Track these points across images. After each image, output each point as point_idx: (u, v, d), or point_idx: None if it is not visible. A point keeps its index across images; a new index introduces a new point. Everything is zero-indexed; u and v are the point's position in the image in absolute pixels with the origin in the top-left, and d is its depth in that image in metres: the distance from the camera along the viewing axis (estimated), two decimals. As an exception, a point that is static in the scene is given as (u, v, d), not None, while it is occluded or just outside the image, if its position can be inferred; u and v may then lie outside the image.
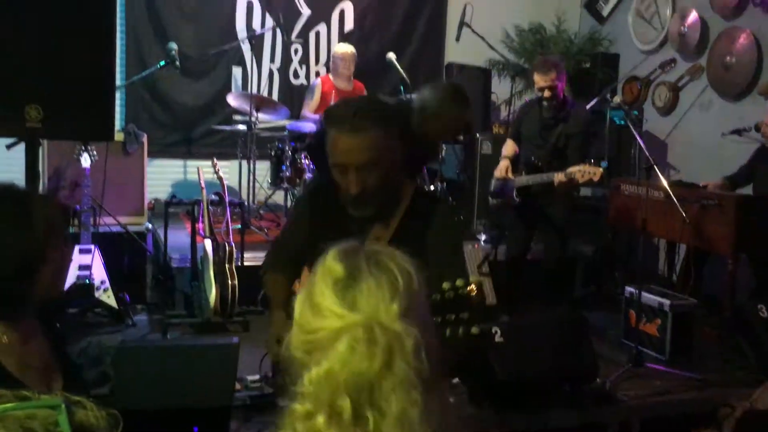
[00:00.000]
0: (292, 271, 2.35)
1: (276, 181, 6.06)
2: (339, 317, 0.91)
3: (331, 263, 0.98)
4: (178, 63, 4.88)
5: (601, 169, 4.45)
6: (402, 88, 5.80)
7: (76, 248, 4.53)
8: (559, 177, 4.60)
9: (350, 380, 0.86)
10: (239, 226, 5.36)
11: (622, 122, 5.66)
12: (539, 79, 4.83)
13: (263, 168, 6.37)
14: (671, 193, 4.31)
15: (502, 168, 5.06)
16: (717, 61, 6.15)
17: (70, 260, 1.73)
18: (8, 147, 2.81)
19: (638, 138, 4.42)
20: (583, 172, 4.46)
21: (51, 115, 2.41)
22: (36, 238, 1.55)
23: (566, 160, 4.71)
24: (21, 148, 2.77)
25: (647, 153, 4.37)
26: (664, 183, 4.41)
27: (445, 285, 1.56)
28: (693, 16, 6.39)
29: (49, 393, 1.60)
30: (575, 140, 4.82)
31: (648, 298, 4.46)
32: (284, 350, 1.02)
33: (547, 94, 4.80)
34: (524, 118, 5.14)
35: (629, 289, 4.56)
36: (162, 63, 4.90)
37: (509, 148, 5.20)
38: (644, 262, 4.62)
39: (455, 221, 2.39)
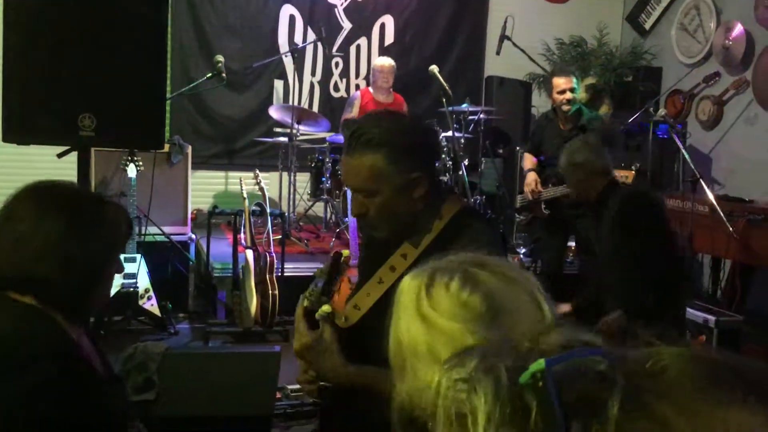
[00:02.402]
0: None
1: (316, 192, 6.10)
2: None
3: (462, 298, 0.87)
4: (224, 75, 4.95)
5: (633, 171, 4.40)
6: (444, 100, 5.81)
7: (121, 257, 4.60)
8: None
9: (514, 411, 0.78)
10: (280, 236, 5.41)
11: (665, 136, 5.60)
12: (561, 83, 4.80)
13: (303, 179, 6.43)
14: (717, 207, 4.24)
15: (531, 181, 5.02)
16: (763, 75, 6.05)
17: (121, 270, 1.75)
18: (59, 156, 2.86)
19: (683, 151, 4.37)
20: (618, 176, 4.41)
21: (104, 124, 2.46)
22: (105, 246, 1.59)
23: None
24: (70, 157, 2.85)
25: (693, 167, 4.31)
26: (711, 197, 4.34)
27: None
28: (738, 29, 6.30)
29: None
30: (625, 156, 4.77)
31: (693, 313, 4.39)
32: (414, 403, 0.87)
33: (568, 96, 4.77)
34: (543, 134, 5.11)
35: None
36: (209, 75, 4.98)
37: (529, 161, 5.17)
38: (689, 277, 4.53)
39: (488, 237, 2.09)
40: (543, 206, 4.90)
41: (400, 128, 1.82)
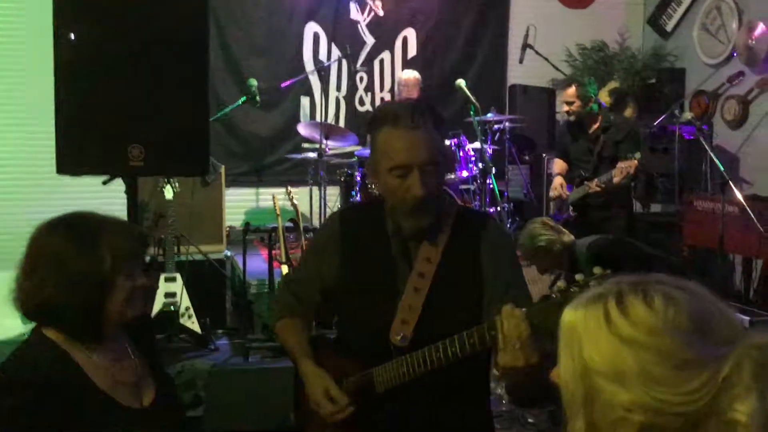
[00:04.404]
0: (309, 313, 2.12)
1: (346, 206, 6.20)
2: (720, 358, 0.85)
3: (669, 315, 0.88)
4: (258, 98, 5.07)
5: (635, 161, 4.46)
6: (471, 112, 5.88)
7: (162, 276, 4.73)
8: (591, 185, 4.66)
9: None
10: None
11: (692, 137, 5.62)
12: (563, 96, 5.04)
13: (333, 193, 6.53)
14: (747, 207, 4.27)
15: (557, 185, 5.09)
16: (788, 72, 6.06)
17: (151, 286, 1.82)
18: (104, 183, 2.98)
19: (710, 152, 4.40)
20: (621, 169, 4.46)
21: (151, 153, 2.57)
22: (102, 265, 1.62)
23: None
24: (114, 186, 2.97)
25: (721, 167, 4.34)
26: (740, 197, 4.37)
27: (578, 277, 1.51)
28: (761, 28, 6.31)
29: (140, 406, 1.73)
30: (624, 145, 4.80)
31: (727, 314, 4.40)
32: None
33: (565, 108, 4.94)
34: (565, 137, 5.23)
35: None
36: (243, 99, 5.10)
37: (558, 165, 5.25)
38: (721, 278, 4.56)
39: (509, 237, 2.18)
40: (571, 209, 4.95)
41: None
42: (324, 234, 2.15)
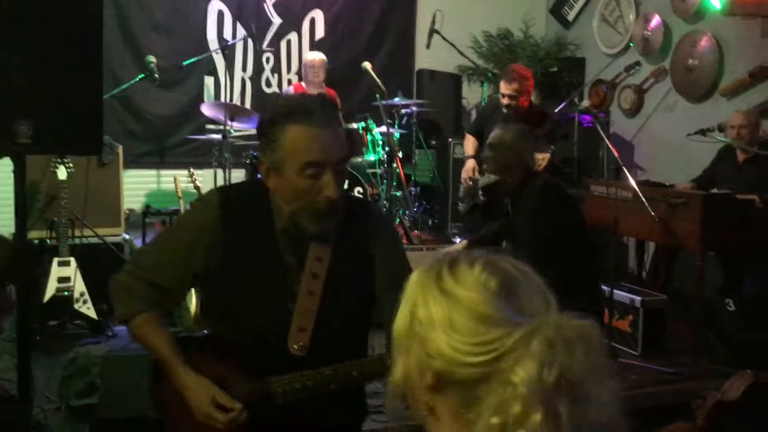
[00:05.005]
0: (169, 306, 1.98)
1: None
2: (518, 323, 0.92)
3: (482, 278, 0.97)
4: (157, 76, 4.90)
5: (548, 155, 4.59)
6: (377, 96, 5.88)
7: (55, 261, 4.53)
8: None
9: (559, 377, 0.87)
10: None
11: (590, 125, 5.80)
12: (502, 87, 4.98)
13: (239, 176, 6.41)
14: (639, 192, 4.44)
15: (469, 168, 5.14)
16: (680, 64, 6.33)
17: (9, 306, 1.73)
18: (-12, 162, 2.82)
19: (606, 140, 4.55)
20: (537, 159, 4.58)
21: (40, 131, 2.44)
22: None
23: None
24: (3, 162, 2.81)
25: (616, 154, 4.50)
26: (633, 183, 4.54)
27: None
28: (656, 20, 6.57)
29: None
30: (541, 140, 4.90)
31: (620, 295, 4.59)
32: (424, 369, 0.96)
33: (505, 101, 4.93)
34: (488, 119, 5.22)
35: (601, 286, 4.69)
36: (141, 76, 4.92)
37: (471, 145, 5.29)
38: (615, 260, 4.74)
39: (391, 221, 2.18)
40: (480, 193, 5.01)
41: None
42: (197, 217, 1.89)
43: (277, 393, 1.77)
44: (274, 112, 1.78)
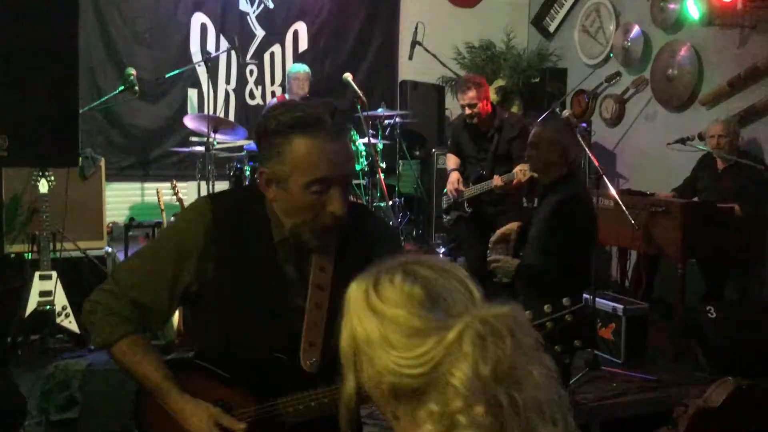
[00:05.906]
0: (155, 327, 1.81)
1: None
2: (447, 327, 0.95)
3: (405, 289, 1.01)
4: (137, 88, 4.90)
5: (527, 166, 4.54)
6: (359, 107, 5.89)
7: (36, 274, 4.50)
8: (495, 181, 4.72)
9: (494, 368, 0.91)
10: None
11: (572, 134, 5.83)
12: (460, 99, 4.94)
13: (222, 188, 6.38)
14: (620, 201, 4.47)
15: (453, 180, 5.14)
16: (660, 74, 6.39)
17: None
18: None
19: (587, 150, 4.59)
20: (524, 170, 4.55)
21: (16, 143, 2.43)
22: None
23: (513, 166, 4.79)
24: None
25: (597, 164, 4.53)
26: (613, 192, 4.57)
27: (547, 308, 1.53)
28: (636, 30, 6.63)
29: None
30: (518, 143, 4.82)
31: (602, 303, 4.62)
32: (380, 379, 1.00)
33: (468, 111, 4.92)
34: (459, 135, 5.21)
35: (584, 295, 4.70)
36: (121, 88, 4.91)
37: (452, 161, 5.29)
38: (597, 269, 4.76)
39: (395, 232, 2.13)
40: (466, 205, 5.02)
41: None
42: (186, 228, 1.74)
43: (287, 413, 1.67)
44: (279, 121, 1.61)
